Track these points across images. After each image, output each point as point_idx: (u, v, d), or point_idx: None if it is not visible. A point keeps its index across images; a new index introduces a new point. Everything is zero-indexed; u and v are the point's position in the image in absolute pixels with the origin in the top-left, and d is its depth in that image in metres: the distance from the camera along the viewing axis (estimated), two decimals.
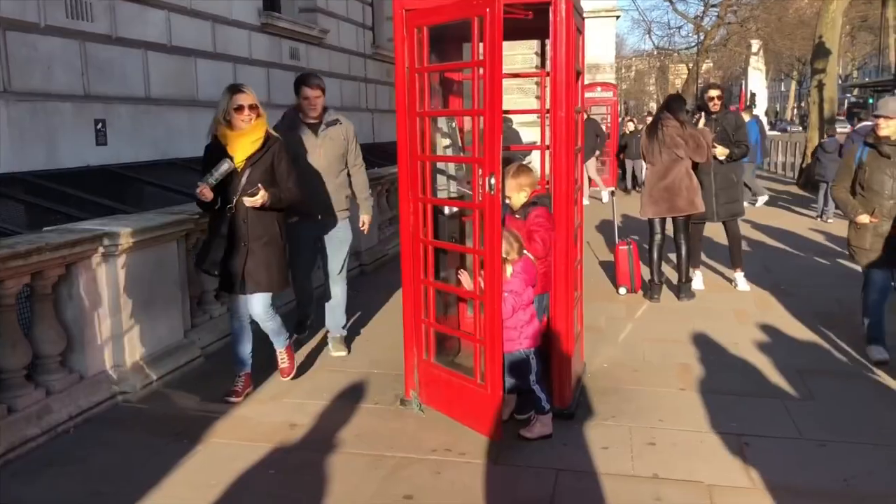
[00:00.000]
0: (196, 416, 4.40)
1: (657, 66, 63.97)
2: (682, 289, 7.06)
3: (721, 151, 7.01)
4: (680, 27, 47.22)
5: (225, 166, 4.19)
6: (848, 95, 48.52)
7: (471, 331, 4.79)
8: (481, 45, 3.80)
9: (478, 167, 3.88)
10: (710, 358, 5.36)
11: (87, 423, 4.28)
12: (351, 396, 4.70)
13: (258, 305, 4.53)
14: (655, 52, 53.55)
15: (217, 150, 4.33)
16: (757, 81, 53.27)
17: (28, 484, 3.60)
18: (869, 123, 13.04)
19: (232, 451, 3.94)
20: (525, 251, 4.07)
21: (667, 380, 4.92)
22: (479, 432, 4.04)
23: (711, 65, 59.39)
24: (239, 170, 4.32)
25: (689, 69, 51.23)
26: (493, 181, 3.79)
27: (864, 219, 5.15)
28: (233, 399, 4.54)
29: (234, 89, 4.38)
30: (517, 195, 4.35)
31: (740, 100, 48.85)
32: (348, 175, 5.45)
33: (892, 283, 5.86)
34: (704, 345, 5.66)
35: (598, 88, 20.23)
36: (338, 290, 5.49)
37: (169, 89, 8.03)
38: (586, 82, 19.26)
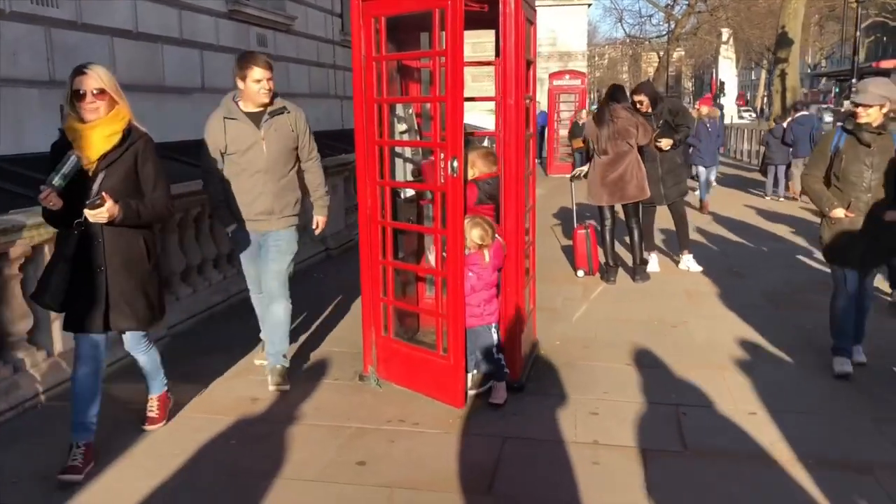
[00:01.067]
0: None
1: (629, 55, 64.49)
2: (637, 271, 7.33)
3: (666, 143, 7.26)
4: (651, 15, 47.88)
5: (73, 160, 3.32)
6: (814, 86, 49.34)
7: (428, 309, 5.02)
8: (443, 34, 4.00)
9: (440, 151, 4.10)
10: (657, 335, 5.61)
11: (55, 399, 4.42)
12: (312, 374, 4.89)
13: (129, 339, 3.87)
14: (627, 41, 54.05)
15: (63, 148, 3.44)
16: (727, 70, 53.90)
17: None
18: (807, 112, 13.75)
19: (196, 423, 4.12)
20: (497, 235, 4.34)
21: (615, 356, 5.16)
22: (443, 401, 4.28)
23: (683, 53, 59.97)
24: (91, 172, 3.44)
25: (659, 57, 51.77)
26: (455, 164, 3.99)
27: (839, 213, 4.62)
28: (73, 477, 3.45)
29: (76, 70, 3.49)
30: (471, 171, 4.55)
31: (711, 88, 49.57)
32: (299, 173, 4.74)
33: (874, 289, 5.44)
34: (653, 323, 5.92)
35: (567, 76, 20.50)
36: (279, 310, 4.60)
37: (135, 75, 8.10)
38: (556, 70, 19.35)
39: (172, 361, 5.00)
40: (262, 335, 4.97)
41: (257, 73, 4.38)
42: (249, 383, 4.72)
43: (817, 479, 3.45)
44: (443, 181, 4.06)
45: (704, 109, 12.43)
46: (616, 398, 4.44)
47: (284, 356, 4.66)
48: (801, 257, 8.39)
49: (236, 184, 4.55)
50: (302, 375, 4.84)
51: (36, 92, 6.87)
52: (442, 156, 4.05)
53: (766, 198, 13.48)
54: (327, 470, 3.58)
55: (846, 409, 4.25)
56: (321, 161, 4.91)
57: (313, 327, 5.84)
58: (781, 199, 13.33)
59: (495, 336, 4.33)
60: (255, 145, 4.45)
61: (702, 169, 12.07)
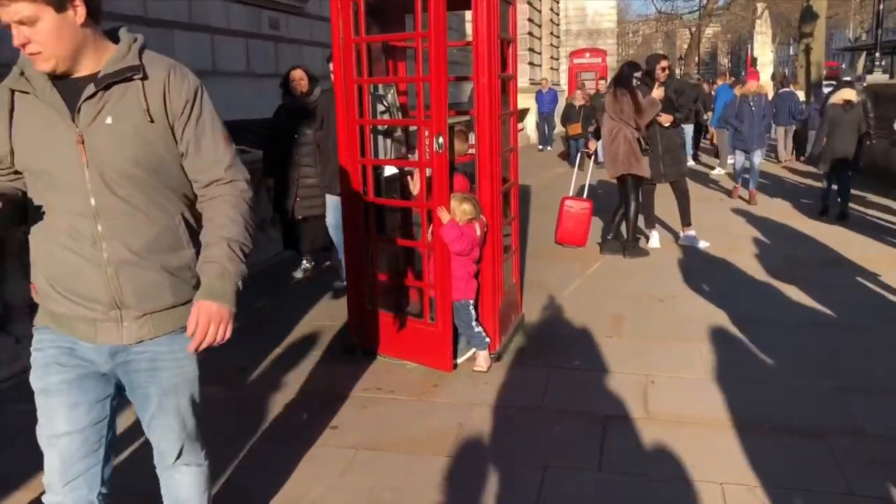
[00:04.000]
0: None
1: (663, 31, 63.56)
2: (626, 247, 7.41)
3: (665, 119, 7.36)
4: None
5: None
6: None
7: (419, 283, 5.19)
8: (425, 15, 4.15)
9: (425, 129, 4.27)
10: (644, 310, 5.72)
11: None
12: (300, 345, 5.08)
13: None
14: (659, 17, 53.28)
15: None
16: (763, 46, 52.86)
17: None
18: (789, 89, 13.86)
19: None
20: (481, 215, 4.53)
21: (597, 329, 5.28)
22: (431, 367, 4.52)
23: (719, 29, 58.95)
24: None
25: (691, 34, 50.97)
26: (441, 140, 4.17)
27: None
28: None
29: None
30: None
31: (747, 64, 48.70)
32: None
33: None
34: (642, 298, 6.01)
35: (587, 55, 20.45)
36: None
37: None
38: (583, 46, 19.30)
39: None
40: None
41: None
42: (238, 352, 4.92)
43: (768, 443, 3.56)
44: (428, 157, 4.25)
45: (753, 85, 10.74)
46: (588, 368, 4.57)
47: None
48: (798, 234, 8.38)
49: None
50: (291, 346, 5.04)
51: None
52: (427, 133, 4.24)
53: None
54: (299, 432, 3.78)
55: (811, 378, 4.33)
56: None
57: (311, 301, 6.04)
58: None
59: (473, 312, 4.54)
60: None
61: (739, 155, 10.68)
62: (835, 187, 9.43)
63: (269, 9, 10.98)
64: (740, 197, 10.71)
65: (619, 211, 7.61)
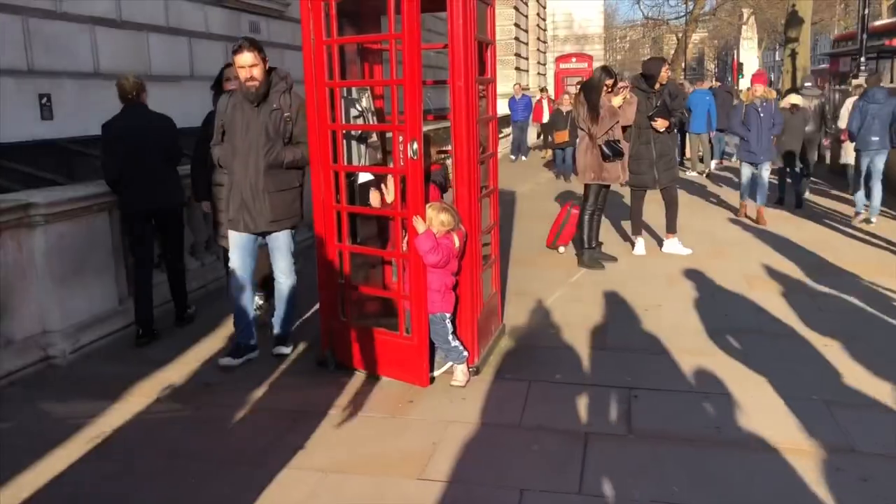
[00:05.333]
0: (119, 377, 4.58)
1: (651, 37, 63.71)
2: (581, 256, 7.30)
3: (661, 124, 7.23)
4: None
5: None
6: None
7: (391, 292, 5.02)
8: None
9: (399, 134, 4.09)
10: (627, 319, 5.56)
11: (13, 385, 4.48)
12: (269, 359, 4.87)
13: None
14: (646, 22, 53.39)
15: None
16: (749, 51, 53.04)
17: None
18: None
19: (146, 408, 4.14)
20: (461, 225, 4.35)
21: (579, 339, 5.12)
22: (407, 381, 4.34)
23: (706, 34, 59.14)
24: None
25: (678, 39, 51.08)
26: (415, 147, 4.00)
27: None
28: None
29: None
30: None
31: (733, 70, 48.83)
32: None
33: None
34: (626, 307, 5.86)
35: (573, 59, 20.37)
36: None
37: (120, 64, 8.10)
38: (570, 51, 19.04)
39: (136, 349, 5.10)
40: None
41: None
42: (208, 366, 4.75)
43: (757, 461, 3.40)
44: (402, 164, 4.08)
45: (759, 89, 9.52)
46: (569, 381, 4.41)
47: None
48: (781, 239, 8.26)
49: None
50: (262, 360, 4.85)
51: (12, 80, 6.92)
52: (401, 139, 4.06)
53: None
54: (263, 454, 3.59)
55: (800, 390, 4.18)
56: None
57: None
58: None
59: (450, 325, 4.36)
60: None
61: (745, 168, 9.52)
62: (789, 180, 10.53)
63: (249, 12, 10.82)
64: (747, 216, 9.60)
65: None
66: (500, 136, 18.09)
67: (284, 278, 4.89)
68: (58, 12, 7.40)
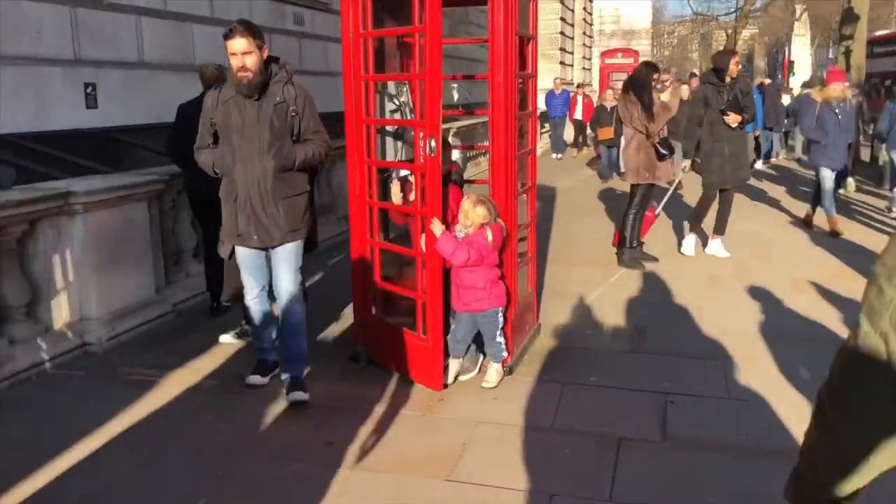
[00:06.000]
0: (154, 366, 4.61)
1: (699, 33, 62.71)
2: (621, 255, 7.14)
3: (733, 119, 7.03)
4: None
5: None
6: None
7: (411, 292, 4.94)
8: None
9: (420, 130, 4.03)
10: (666, 321, 5.44)
11: (50, 372, 4.53)
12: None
13: None
14: (695, 18, 52.57)
15: None
16: (801, 48, 51.86)
17: None
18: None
19: (178, 397, 4.16)
20: (499, 218, 4.22)
21: (616, 341, 5.02)
22: (421, 383, 4.24)
23: (756, 31, 58.05)
24: None
25: (727, 35, 50.18)
26: (433, 143, 3.92)
27: None
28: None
29: None
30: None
31: (783, 67, 47.85)
32: None
33: None
34: (665, 309, 5.74)
35: (619, 55, 20.06)
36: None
37: (164, 54, 8.21)
38: (617, 46, 18.64)
39: (172, 337, 5.13)
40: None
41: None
42: (241, 360, 4.75)
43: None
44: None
45: (836, 89, 8.57)
46: (606, 384, 4.32)
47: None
48: (830, 243, 8.02)
49: None
50: None
51: (59, 70, 7.03)
52: (422, 134, 3.99)
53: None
54: (292, 448, 3.57)
55: None
56: None
57: (319, 306, 5.83)
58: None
59: (501, 319, 4.27)
60: None
61: (827, 173, 8.50)
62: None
63: (293, 3, 10.85)
64: (817, 225, 8.75)
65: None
66: (543, 131, 17.87)
67: (291, 300, 4.13)
68: (104, 3, 7.51)
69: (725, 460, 3.44)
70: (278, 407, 4.04)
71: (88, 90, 7.30)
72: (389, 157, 4.69)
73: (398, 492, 3.20)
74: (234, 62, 3.83)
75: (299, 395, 4.06)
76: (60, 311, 4.74)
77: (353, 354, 4.67)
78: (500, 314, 4.26)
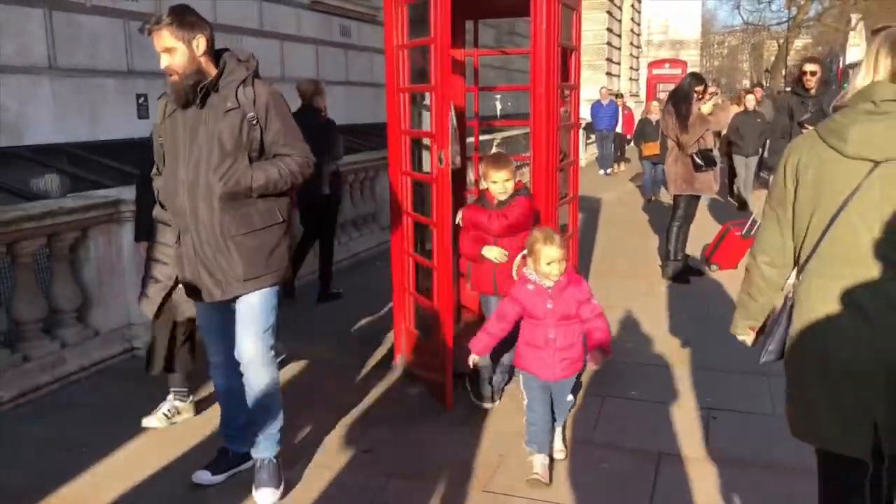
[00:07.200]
0: (196, 371, 4.67)
1: (750, 43, 61.82)
2: (665, 267, 7.05)
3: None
4: (771, 1, 45.54)
5: None
6: None
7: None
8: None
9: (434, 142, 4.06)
10: (711, 336, 5.32)
11: (99, 375, 4.65)
12: (347, 358, 4.91)
13: None
14: (746, 28, 51.89)
15: None
16: (858, 58, 50.73)
17: (31, 424, 3.98)
18: None
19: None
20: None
21: (658, 355, 4.96)
22: (436, 399, 4.22)
23: (809, 41, 57.02)
24: None
25: (779, 45, 49.36)
26: (443, 155, 3.94)
27: None
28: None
29: None
30: (504, 184, 3.92)
31: (838, 78, 46.89)
32: None
33: None
34: (712, 323, 5.62)
35: (667, 65, 19.88)
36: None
37: None
38: (665, 57, 18.13)
39: None
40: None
41: None
42: (283, 366, 4.81)
43: None
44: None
45: None
46: (647, 398, 4.27)
47: None
48: None
49: None
50: (337, 360, 4.88)
51: (112, 81, 7.23)
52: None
53: None
54: (329, 455, 3.60)
55: None
56: None
57: (364, 309, 5.89)
58: None
59: (575, 382, 3.59)
60: None
61: None
62: None
63: (340, 16, 10.99)
64: None
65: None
66: (588, 142, 17.65)
67: (254, 370, 3.13)
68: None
69: (769, 478, 3.37)
70: (314, 414, 4.06)
71: (140, 101, 7.49)
72: (425, 169, 4.71)
73: (433, 502, 3.21)
74: (161, 63, 2.99)
75: (266, 495, 3.17)
76: (109, 316, 4.86)
77: (391, 363, 4.69)
78: (574, 379, 3.58)
